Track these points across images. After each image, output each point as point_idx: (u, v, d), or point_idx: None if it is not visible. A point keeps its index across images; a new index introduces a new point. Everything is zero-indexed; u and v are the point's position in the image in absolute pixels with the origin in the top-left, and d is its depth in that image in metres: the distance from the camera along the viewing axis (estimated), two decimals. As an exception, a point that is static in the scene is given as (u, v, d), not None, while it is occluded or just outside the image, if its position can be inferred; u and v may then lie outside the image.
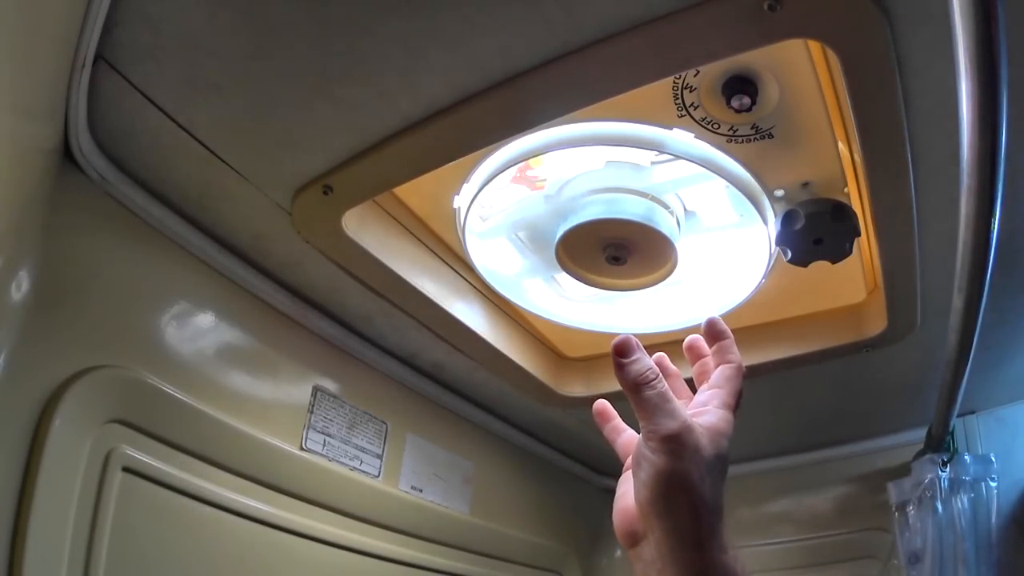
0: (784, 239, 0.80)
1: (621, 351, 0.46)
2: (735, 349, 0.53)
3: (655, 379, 0.45)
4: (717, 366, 0.53)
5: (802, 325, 1.04)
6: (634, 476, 0.47)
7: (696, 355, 0.56)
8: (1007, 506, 1.09)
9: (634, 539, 0.47)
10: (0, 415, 0.61)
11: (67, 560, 0.64)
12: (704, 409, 0.49)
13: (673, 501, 0.44)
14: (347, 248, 0.83)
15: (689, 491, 0.44)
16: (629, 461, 0.53)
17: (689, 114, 0.72)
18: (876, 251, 0.82)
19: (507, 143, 0.75)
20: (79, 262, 0.72)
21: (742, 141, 0.74)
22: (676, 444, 0.44)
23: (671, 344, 1.11)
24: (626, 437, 0.57)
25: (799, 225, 0.78)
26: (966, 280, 0.63)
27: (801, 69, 0.67)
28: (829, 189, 0.79)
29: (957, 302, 0.67)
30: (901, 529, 1.15)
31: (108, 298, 0.74)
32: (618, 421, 0.59)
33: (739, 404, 0.50)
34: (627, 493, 0.50)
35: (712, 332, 0.54)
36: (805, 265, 0.82)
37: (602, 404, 0.60)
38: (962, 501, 1.08)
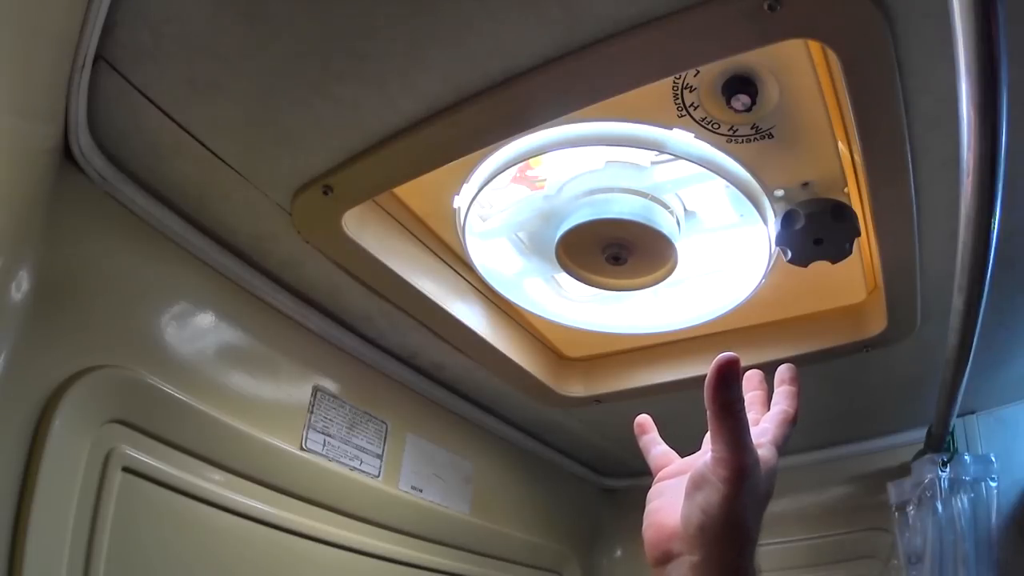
0: (784, 239, 0.80)
1: (727, 372, 0.43)
2: (797, 401, 0.54)
3: (743, 410, 0.44)
4: (775, 405, 0.54)
5: (802, 325, 1.04)
6: (688, 496, 0.46)
7: (752, 387, 0.57)
8: (1007, 506, 1.09)
9: (666, 557, 0.47)
10: (0, 415, 0.61)
11: (67, 560, 0.64)
12: (760, 443, 0.49)
13: (725, 529, 0.44)
14: (347, 248, 0.83)
15: (741, 522, 0.44)
16: (663, 473, 0.54)
17: (689, 114, 0.72)
18: (876, 251, 0.82)
19: (507, 143, 0.75)
20: (79, 262, 0.72)
21: (742, 141, 0.74)
22: (744, 476, 0.44)
23: (671, 344, 1.12)
24: (661, 451, 0.57)
25: (799, 225, 0.78)
26: (966, 280, 0.62)
27: (801, 69, 0.67)
28: (829, 189, 0.79)
29: (957, 302, 0.66)
30: (901, 529, 1.15)
31: (108, 298, 0.74)
32: (656, 434, 0.58)
33: (784, 448, 0.51)
34: (663, 508, 0.49)
35: (786, 377, 0.55)
36: (805, 265, 0.82)
37: (644, 417, 0.60)
38: (962, 501, 1.08)
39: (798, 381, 0.55)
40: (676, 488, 0.49)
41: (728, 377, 0.43)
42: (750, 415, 0.53)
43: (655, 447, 0.57)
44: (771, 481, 0.47)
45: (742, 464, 0.43)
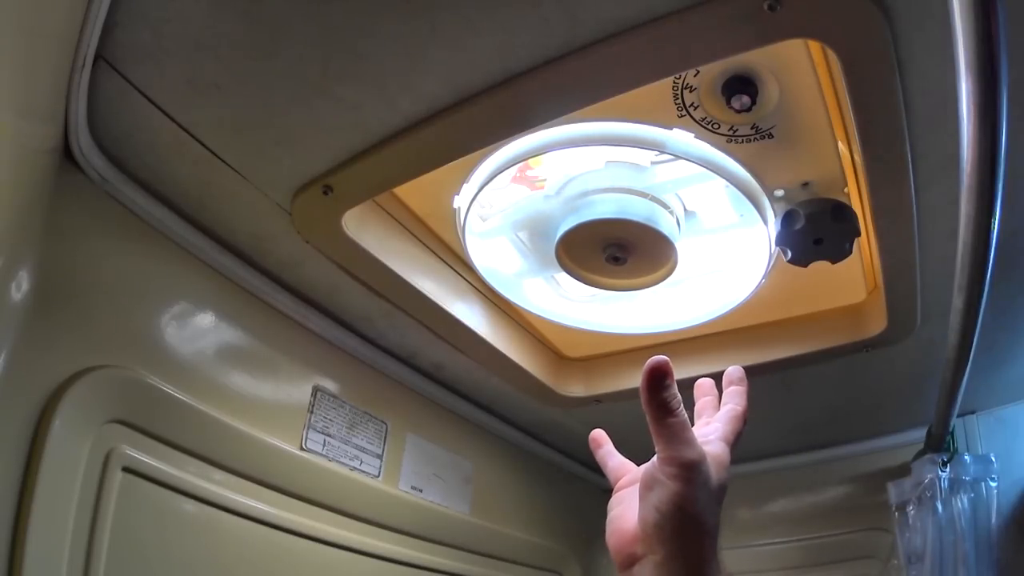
0: (784, 239, 0.80)
1: (657, 375, 0.45)
2: (746, 399, 0.56)
3: (679, 408, 0.46)
4: (724, 405, 0.56)
5: (802, 325, 1.04)
6: (642, 499, 0.48)
7: (702, 393, 0.59)
8: (1007, 506, 1.09)
9: (631, 560, 0.48)
10: (0, 415, 0.61)
11: (67, 560, 0.64)
12: (708, 440, 0.50)
13: (681, 525, 0.45)
14: (347, 248, 0.83)
15: (696, 517, 0.46)
16: (621, 482, 0.56)
17: (689, 114, 0.72)
18: (876, 251, 0.82)
19: (507, 143, 0.75)
20: (79, 262, 0.72)
21: (742, 141, 0.74)
22: (692, 472, 0.45)
23: (671, 344, 1.12)
24: (617, 462, 0.59)
25: (799, 225, 0.78)
26: (966, 280, 0.62)
27: (801, 69, 0.67)
28: (829, 189, 0.79)
29: (957, 302, 0.67)
30: (901, 529, 1.15)
31: (108, 298, 0.74)
32: (611, 447, 0.61)
33: (737, 444, 0.52)
34: (623, 515, 0.51)
35: (734, 378, 0.57)
36: (805, 265, 0.82)
37: (598, 432, 0.62)
38: (962, 501, 1.08)
39: (746, 382, 0.57)
40: (634, 495, 0.50)
41: (660, 377, 0.45)
42: (702, 419, 0.56)
43: (611, 459, 0.59)
44: (723, 475, 0.49)
45: (687, 459, 0.45)
